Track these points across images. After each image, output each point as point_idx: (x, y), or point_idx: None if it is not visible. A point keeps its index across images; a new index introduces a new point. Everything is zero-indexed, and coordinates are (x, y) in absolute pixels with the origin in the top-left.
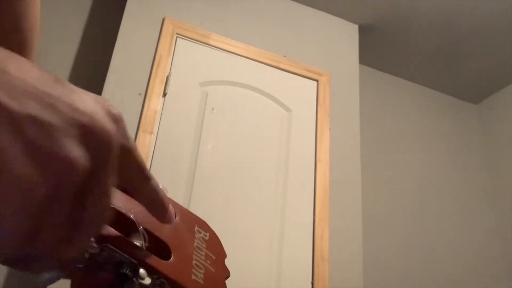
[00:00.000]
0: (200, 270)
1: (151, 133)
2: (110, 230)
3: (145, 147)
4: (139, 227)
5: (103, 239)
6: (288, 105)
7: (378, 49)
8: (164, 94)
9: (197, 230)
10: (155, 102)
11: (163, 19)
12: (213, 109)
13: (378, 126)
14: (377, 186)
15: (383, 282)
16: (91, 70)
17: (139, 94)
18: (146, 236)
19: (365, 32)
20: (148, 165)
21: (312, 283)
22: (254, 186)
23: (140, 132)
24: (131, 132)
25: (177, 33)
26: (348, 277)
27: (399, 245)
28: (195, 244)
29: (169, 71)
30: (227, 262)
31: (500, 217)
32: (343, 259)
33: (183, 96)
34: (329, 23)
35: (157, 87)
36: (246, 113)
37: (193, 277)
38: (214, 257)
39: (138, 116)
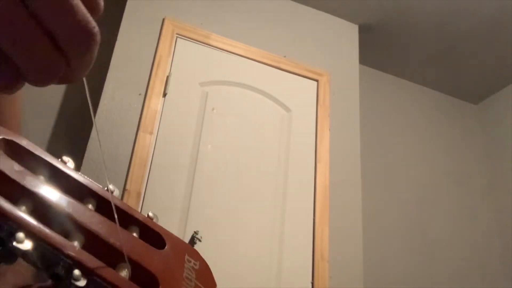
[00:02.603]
0: None
1: (151, 133)
2: (96, 262)
3: (145, 147)
4: (126, 258)
5: (89, 271)
6: (288, 105)
7: (378, 49)
8: (164, 94)
9: (187, 259)
10: (155, 102)
11: (163, 19)
12: (213, 109)
13: (378, 126)
14: (377, 186)
15: (383, 282)
16: (90, 70)
17: (139, 94)
18: (130, 269)
19: (365, 32)
20: (148, 165)
21: (312, 283)
22: (254, 186)
23: (140, 132)
24: (131, 132)
25: (177, 33)
26: (348, 277)
27: (399, 245)
28: (184, 274)
29: (169, 71)
30: (227, 261)
31: (500, 217)
32: (343, 259)
33: (183, 96)
34: (329, 23)
35: (157, 87)
36: (246, 113)
37: None
38: None
39: (138, 116)
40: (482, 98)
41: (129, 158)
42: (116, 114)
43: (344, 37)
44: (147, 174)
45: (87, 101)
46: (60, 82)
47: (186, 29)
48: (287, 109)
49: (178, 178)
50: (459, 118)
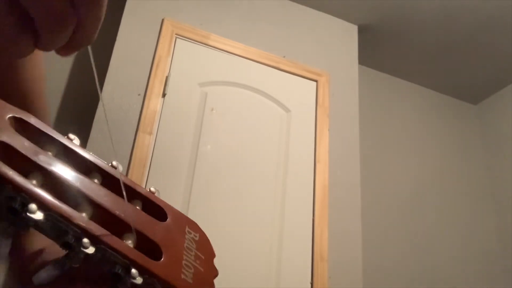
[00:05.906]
0: (190, 270)
1: (150, 133)
2: (103, 231)
3: (145, 148)
4: (132, 228)
5: (97, 240)
6: (288, 106)
7: (377, 49)
8: (164, 95)
9: (188, 231)
10: (154, 102)
11: (163, 20)
12: (212, 109)
13: (377, 126)
14: (377, 186)
15: (382, 283)
16: (90, 70)
17: (139, 94)
18: (135, 239)
19: (364, 33)
20: (147, 166)
21: (312, 283)
22: (254, 187)
23: (139, 133)
24: (130, 133)
25: (176, 34)
26: (347, 277)
27: (398, 245)
28: (185, 244)
29: (168, 71)
30: (227, 262)
31: (500, 218)
32: (342, 259)
33: (182, 97)
34: (328, 23)
35: (156, 87)
36: (246, 113)
37: (183, 276)
38: (203, 257)
39: (138, 116)
40: (481, 98)
41: (128, 158)
42: (116, 114)
43: (343, 37)
44: (147, 174)
45: (92, 83)
46: (69, 45)
47: (186, 30)
48: (286, 110)
49: (178, 178)
50: (458, 119)
